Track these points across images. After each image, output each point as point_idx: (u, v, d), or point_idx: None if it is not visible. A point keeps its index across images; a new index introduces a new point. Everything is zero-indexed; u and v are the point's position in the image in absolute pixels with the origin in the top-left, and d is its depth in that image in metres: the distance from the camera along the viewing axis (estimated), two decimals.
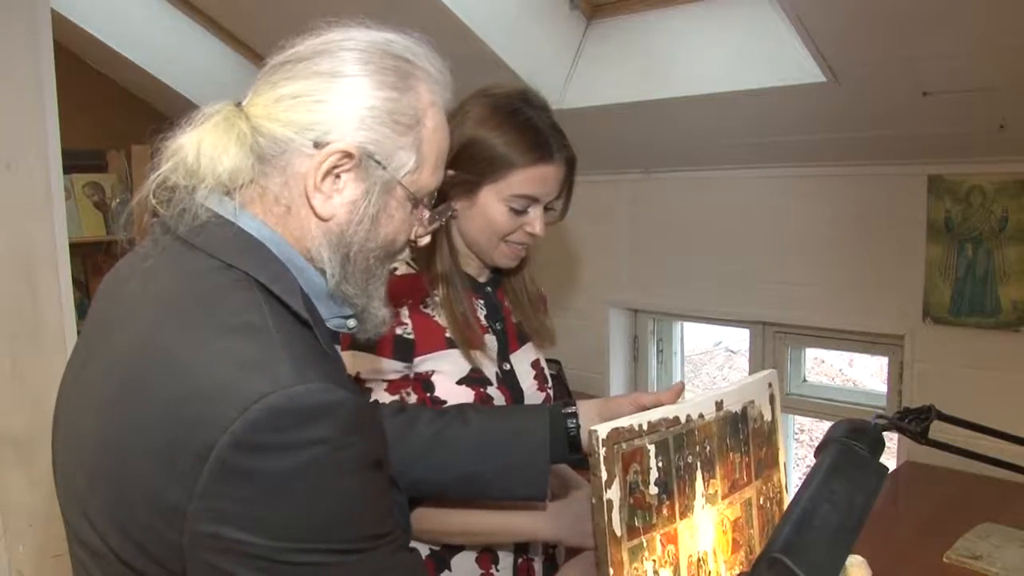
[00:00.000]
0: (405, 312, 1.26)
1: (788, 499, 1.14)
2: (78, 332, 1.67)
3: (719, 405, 1.06)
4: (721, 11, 2.00)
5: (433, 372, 1.26)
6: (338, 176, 0.83)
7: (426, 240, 0.96)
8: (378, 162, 0.84)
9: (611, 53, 2.22)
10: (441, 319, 1.29)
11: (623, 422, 0.93)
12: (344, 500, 0.75)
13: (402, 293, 1.25)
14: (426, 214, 0.93)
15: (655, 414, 0.97)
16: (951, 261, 1.98)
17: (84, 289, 3.32)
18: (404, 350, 1.24)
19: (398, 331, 1.24)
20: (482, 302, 1.36)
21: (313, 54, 0.85)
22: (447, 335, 1.28)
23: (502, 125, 1.25)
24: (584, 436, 1.13)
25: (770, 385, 1.16)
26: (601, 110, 2.23)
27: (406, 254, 1.30)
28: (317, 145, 0.82)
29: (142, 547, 0.75)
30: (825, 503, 0.85)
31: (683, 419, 1.00)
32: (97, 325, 0.87)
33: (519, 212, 1.28)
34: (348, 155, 0.82)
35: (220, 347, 0.75)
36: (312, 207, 0.83)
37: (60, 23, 2.54)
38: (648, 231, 2.58)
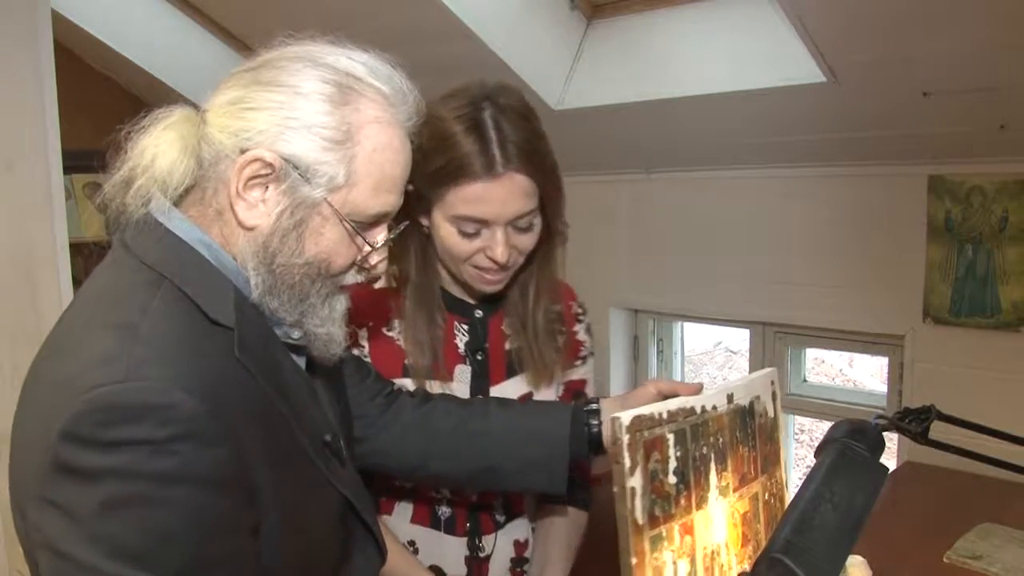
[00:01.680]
0: (364, 334, 1.21)
1: (789, 497, 1.14)
2: None
3: (730, 398, 1.06)
4: (721, 11, 2.00)
5: None
6: (266, 187, 0.82)
7: (380, 268, 0.91)
8: (301, 175, 0.81)
9: (611, 53, 2.22)
10: (404, 343, 1.21)
11: (645, 410, 0.93)
12: (157, 516, 0.69)
13: (365, 313, 1.16)
14: (378, 238, 0.88)
15: (673, 404, 0.98)
16: (951, 261, 1.97)
17: None
18: None
19: (354, 352, 1.18)
20: (466, 327, 1.25)
21: (262, 64, 0.85)
22: (406, 362, 1.21)
23: (442, 136, 1.09)
24: (606, 433, 1.11)
25: (772, 383, 1.17)
26: (601, 110, 2.23)
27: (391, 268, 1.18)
28: (242, 152, 0.81)
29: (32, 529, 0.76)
30: (825, 503, 0.85)
31: (698, 410, 1.00)
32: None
33: (469, 235, 1.12)
34: (268, 164, 0.80)
35: (90, 342, 0.75)
36: (235, 213, 0.82)
37: (60, 23, 2.54)
38: (648, 231, 2.57)
